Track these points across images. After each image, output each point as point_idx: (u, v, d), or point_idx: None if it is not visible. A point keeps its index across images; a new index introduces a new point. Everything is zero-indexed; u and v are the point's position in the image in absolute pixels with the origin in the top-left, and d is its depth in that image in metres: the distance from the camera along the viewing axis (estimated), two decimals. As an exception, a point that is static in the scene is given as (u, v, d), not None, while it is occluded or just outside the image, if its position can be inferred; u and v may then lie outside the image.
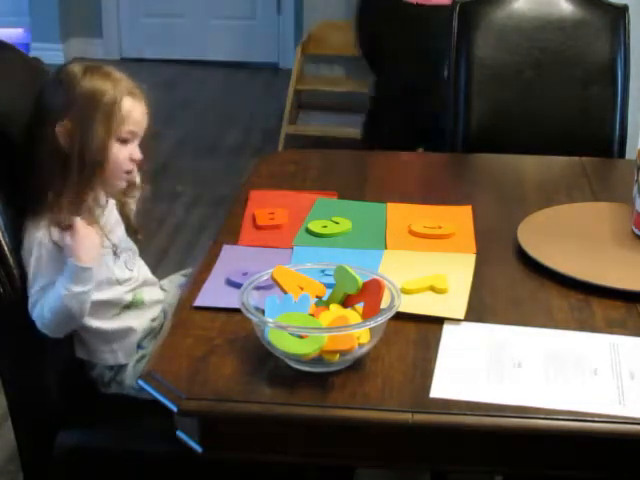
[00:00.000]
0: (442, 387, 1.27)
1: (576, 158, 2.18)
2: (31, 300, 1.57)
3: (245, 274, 1.50)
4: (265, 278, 1.39)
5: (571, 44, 2.33)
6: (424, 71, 3.30)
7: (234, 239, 1.71)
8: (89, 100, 1.58)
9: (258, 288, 1.37)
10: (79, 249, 1.55)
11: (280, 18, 5.80)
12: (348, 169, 2.14)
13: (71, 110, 1.58)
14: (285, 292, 1.36)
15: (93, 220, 1.62)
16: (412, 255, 1.66)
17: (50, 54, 5.14)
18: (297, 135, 4.49)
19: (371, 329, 1.30)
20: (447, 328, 1.42)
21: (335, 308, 1.36)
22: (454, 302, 1.48)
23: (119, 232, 1.71)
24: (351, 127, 4.54)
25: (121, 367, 1.68)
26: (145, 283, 1.73)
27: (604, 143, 2.33)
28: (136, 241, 1.77)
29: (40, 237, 1.57)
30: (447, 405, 1.23)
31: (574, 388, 1.27)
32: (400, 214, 1.82)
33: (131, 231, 1.76)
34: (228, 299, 1.45)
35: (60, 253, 1.57)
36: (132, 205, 1.77)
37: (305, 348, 1.26)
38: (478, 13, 2.35)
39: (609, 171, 2.24)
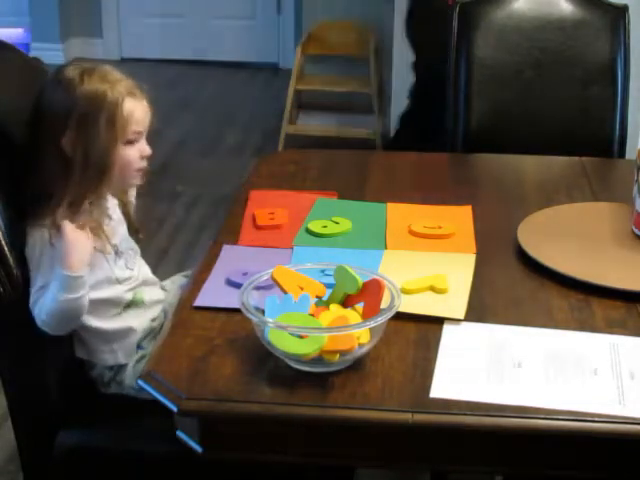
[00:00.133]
0: (442, 387, 1.27)
1: (576, 158, 2.18)
2: (31, 299, 1.57)
3: (245, 274, 1.50)
4: (265, 278, 1.39)
5: (571, 44, 2.33)
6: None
7: (234, 239, 1.71)
8: (89, 107, 1.58)
9: (258, 288, 1.37)
10: (69, 256, 1.54)
11: (280, 18, 5.80)
12: (348, 169, 2.14)
13: (72, 119, 1.58)
14: (285, 292, 1.36)
15: (93, 222, 1.61)
16: (412, 255, 1.66)
17: (50, 54, 5.14)
18: (297, 135, 4.49)
19: (371, 329, 1.30)
20: (447, 328, 1.42)
21: (335, 308, 1.36)
22: (454, 302, 1.48)
23: (121, 231, 1.71)
24: (351, 127, 4.55)
25: (121, 367, 1.68)
26: (145, 283, 1.73)
27: (604, 143, 2.33)
28: (137, 240, 1.77)
29: (41, 237, 1.57)
30: (447, 405, 1.23)
31: (574, 388, 1.27)
32: (400, 214, 1.82)
33: (132, 230, 1.76)
34: (228, 299, 1.45)
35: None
36: (131, 198, 1.78)
37: (305, 348, 1.26)
38: (478, 13, 2.35)
39: (609, 171, 2.24)
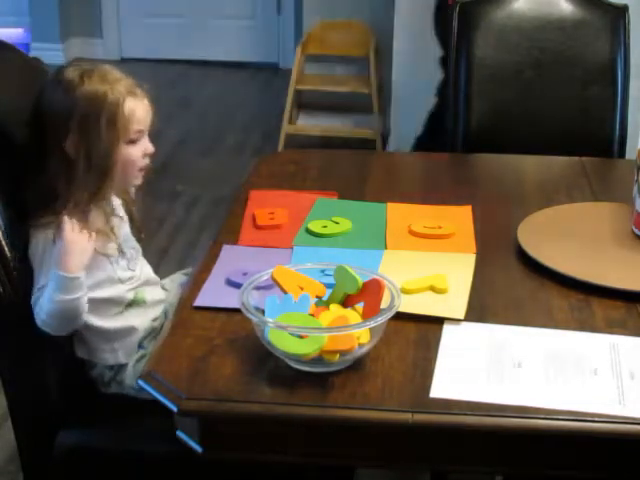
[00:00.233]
0: (442, 387, 1.27)
1: (576, 158, 2.18)
2: (33, 298, 1.57)
3: (245, 274, 1.50)
4: (265, 278, 1.39)
5: (571, 44, 2.33)
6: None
7: (234, 239, 1.71)
8: (90, 108, 1.58)
9: (258, 288, 1.37)
10: (66, 256, 1.54)
11: (280, 18, 5.80)
12: (348, 169, 2.14)
13: (74, 120, 1.58)
14: (285, 292, 1.36)
15: (100, 223, 1.61)
16: (412, 255, 1.66)
17: (50, 54, 5.13)
18: (297, 135, 4.49)
19: (371, 329, 1.30)
20: (447, 328, 1.42)
21: (335, 308, 1.36)
22: (454, 302, 1.48)
23: (124, 231, 1.71)
24: (351, 127, 4.55)
25: (121, 367, 1.68)
26: (147, 282, 1.73)
27: (604, 143, 2.33)
28: (139, 240, 1.77)
29: (44, 238, 1.57)
30: (447, 405, 1.23)
31: (574, 388, 1.27)
32: (400, 214, 1.82)
33: (135, 229, 1.75)
34: (228, 299, 1.45)
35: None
36: (133, 195, 1.78)
37: (305, 348, 1.26)
38: (478, 13, 2.35)
39: (609, 171, 2.24)
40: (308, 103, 4.75)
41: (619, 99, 2.32)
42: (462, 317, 1.44)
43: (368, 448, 1.27)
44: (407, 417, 1.22)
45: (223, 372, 1.30)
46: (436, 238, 1.72)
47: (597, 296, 1.51)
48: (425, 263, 1.63)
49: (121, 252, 1.68)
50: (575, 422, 1.21)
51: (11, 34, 5.87)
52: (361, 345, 1.29)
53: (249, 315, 1.30)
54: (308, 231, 1.74)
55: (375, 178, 2.07)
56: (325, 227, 1.74)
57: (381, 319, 1.29)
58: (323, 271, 1.44)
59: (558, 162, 2.18)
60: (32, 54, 1.92)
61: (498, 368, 1.31)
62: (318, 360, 1.28)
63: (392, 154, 2.41)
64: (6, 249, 1.56)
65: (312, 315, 1.33)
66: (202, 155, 4.39)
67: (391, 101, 3.89)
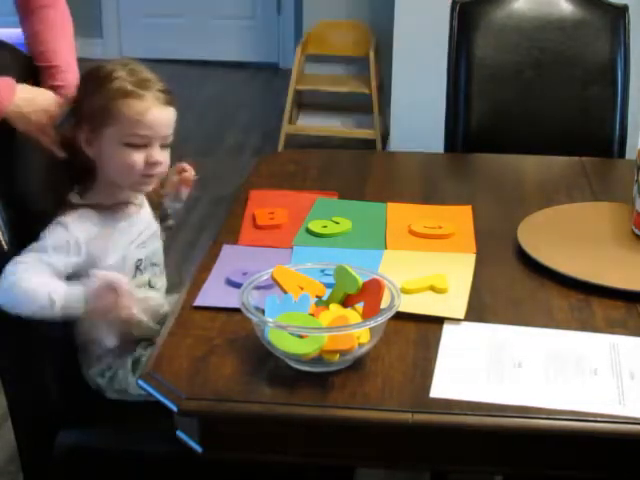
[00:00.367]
0: (442, 387, 1.27)
1: (576, 158, 2.18)
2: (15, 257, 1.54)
3: (245, 274, 1.50)
4: (265, 278, 1.39)
5: (571, 44, 2.33)
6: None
7: (234, 239, 1.71)
8: (103, 102, 1.57)
9: (258, 288, 1.37)
10: (98, 300, 1.49)
11: (280, 18, 5.80)
12: (348, 169, 2.14)
13: (86, 116, 1.58)
14: (285, 292, 1.36)
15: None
16: (412, 255, 1.66)
17: (50, 54, 5.13)
18: (297, 135, 4.50)
19: (371, 329, 1.30)
20: (447, 328, 1.41)
21: (335, 308, 1.36)
22: (454, 302, 1.48)
23: (153, 245, 1.71)
24: (351, 127, 4.55)
25: (116, 372, 1.68)
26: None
27: (604, 143, 2.33)
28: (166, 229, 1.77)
29: (67, 224, 1.57)
30: (447, 405, 1.23)
31: (574, 388, 1.27)
32: (400, 214, 1.82)
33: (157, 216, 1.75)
34: (228, 299, 1.45)
35: (76, 248, 1.56)
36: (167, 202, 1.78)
37: (305, 348, 1.26)
38: (478, 13, 2.35)
39: (609, 171, 2.24)
40: (308, 103, 4.75)
41: (619, 99, 2.32)
42: (462, 317, 1.44)
43: (368, 448, 1.27)
44: (407, 417, 1.22)
45: (223, 372, 1.30)
46: (436, 238, 1.72)
47: (597, 296, 1.51)
48: (425, 263, 1.63)
49: (140, 269, 1.67)
50: (575, 422, 1.21)
51: (11, 34, 5.87)
52: (361, 345, 1.29)
53: (249, 315, 1.30)
54: (308, 231, 1.74)
55: (375, 178, 2.07)
56: (325, 227, 1.74)
57: (381, 319, 1.29)
58: (323, 271, 1.44)
59: (558, 162, 2.18)
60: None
61: (498, 368, 1.31)
62: (318, 360, 1.28)
63: (392, 154, 2.41)
64: (6, 249, 1.56)
65: (312, 315, 1.33)
66: (202, 155, 4.39)
67: (391, 101, 3.90)
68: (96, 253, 1.59)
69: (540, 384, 1.28)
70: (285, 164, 2.12)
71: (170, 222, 1.81)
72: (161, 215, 1.78)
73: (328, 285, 1.40)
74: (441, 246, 1.69)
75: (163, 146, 1.61)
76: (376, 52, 4.37)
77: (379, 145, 4.38)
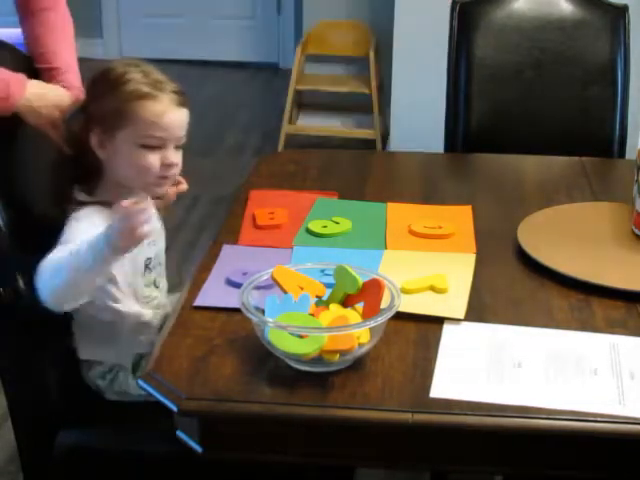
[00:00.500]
0: (442, 387, 1.27)
1: (576, 158, 2.18)
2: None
3: (245, 274, 1.50)
4: (265, 278, 1.39)
5: (571, 44, 2.33)
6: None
7: (234, 239, 1.71)
8: (118, 104, 1.56)
9: (258, 288, 1.37)
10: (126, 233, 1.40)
11: (280, 18, 5.80)
12: (348, 169, 2.14)
13: (98, 118, 1.58)
14: (285, 292, 1.36)
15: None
16: (412, 255, 1.66)
17: (50, 54, 5.12)
18: (297, 135, 4.50)
19: (371, 329, 1.30)
20: (447, 328, 1.41)
21: (335, 308, 1.36)
22: (454, 302, 1.48)
23: (160, 245, 1.71)
24: (351, 127, 4.55)
25: (117, 374, 1.68)
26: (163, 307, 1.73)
27: (604, 143, 2.33)
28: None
29: (82, 217, 1.56)
30: (447, 405, 1.23)
31: (574, 388, 1.27)
32: (400, 214, 1.82)
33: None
34: (228, 299, 1.45)
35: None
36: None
37: (305, 348, 1.26)
38: (478, 13, 2.35)
39: (609, 171, 2.24)
40: (308, 103, 4.75)
41: (619, 99, 2.32)
42: (462, 317, 1.44)
43: (368, 448, 1.27)
44: (407, 417, 1.22)
45: (223, 372, 1.30)
46: (436, 238, 1.72)
47: (597, 296, 1.51)
48: (425, 263, 1.63)
49: (149, 267, 1.67)
50: (575, 422, 1.21)
51: (11, 34, 5.87)
52: (361, 345, 1.29)
53: (249, 315, 1.30)
54: (308, 231, 1.74)
55: (375, 178, 2.07)
56: (325, 227, 1.74)
57: (381, 319, 1.29)
58: (323, 271, 1.44)
59: (558, 162, 2.18)
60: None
61: (498, 368, 1.31)
62: (318, 360, 1.28)
63: (392, 154, 2.41)
64: (6, 249, 1.57)
65: (312, 315, 1.33)
66: (202, 155, 4.39)
67: (391, 101, 3.90)
68: None
69: (540, 384, 1.28)
70: (285, 164, 2.12)
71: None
72: None
73: (328, 285, 1.40)
74: (441, 246, 1.69)
75: (177, 147, 1.61)
76: (376, 52, 4.37)
77: (379, 145, 4.38)
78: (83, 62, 1.78)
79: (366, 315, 1.32)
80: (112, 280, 1.59)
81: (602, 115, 2.33)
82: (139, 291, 1.66)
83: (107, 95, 1.57)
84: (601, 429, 1.20)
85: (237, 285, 1.44)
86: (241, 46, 5.88)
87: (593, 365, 1.32)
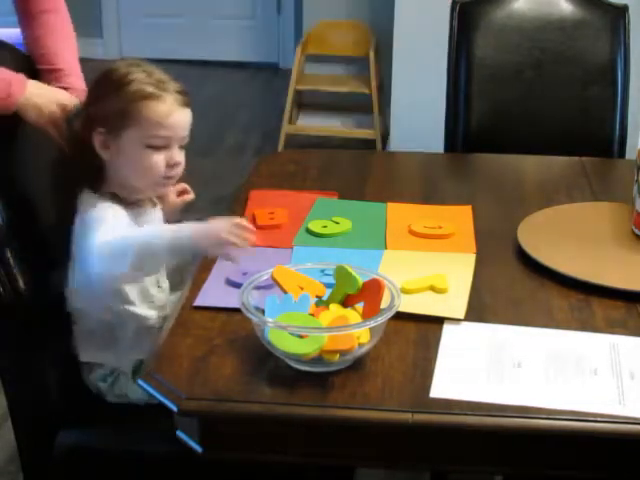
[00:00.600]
0: (442, 387, 1.27)
1: (576, 158, 2.18)
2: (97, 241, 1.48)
3: (245, 274, 1.49)
4: (265, 278, 1.39)
5: (571, 44, 2.33)
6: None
7: (234, 239, 1.71)
8: (122, 105, 1.56)
9: (258, 288, 1.37)
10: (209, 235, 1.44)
11: (280, 18, 5.80)
12: (348, 169, 2.14)
13: (102, 119, 1.57)
14: (285, 292, 1.36)
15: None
16: (412, 255, 1.66)
17: (50, 54, 5.12)
18: (297, 135, 4.50)
19: (371, 329, 1.29)
20: (447, 328, 1.41)
21: (335, 308, 1.36)
22: (454, 302, 1.48)
23: None
24: (351, 127, 4.55)
25: (117, 378, 1.68)
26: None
27: (604, 143, 2.33)
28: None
29: (99, 206, 1.55)
30: (447, 405, 1.23)
31: (574, 388, 1.27)
32: (400, 214, 1.82)
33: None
34: (228, 299, 1.45)
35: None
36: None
37: (305, 348, 1.26)
38: (478, 13, 2.35)
39: (609, 171, 2.24)
40: (308, 103, 4.75)
41: (619, 99, 2.32)
42: (462, 317, 1.44)
43: (368, 448, 1.27)
44: (407, 417, 1.22)
45: (223, 372, 1.30)
46: (436, 238, 1.72)
47: (597, 296, 1.51)
48: (425, 263, 1.63)
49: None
50: (575, 422, 1.21)
51: (11, 34, 5.86)
52: (361, 345, 1.29)
53: (249, 315, 1.30)
54: (308, 231, 1.74)
55: (375, 178, 2.07)
56: (325, 227, 1.74)
57: (381, 319, 1.29)
58: (323, 271, 1.44)
59: (558, 162, 2.18)
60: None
61: (498, 368, 1.31)
62: (318, 360, 1.28)
63: (392, 154, 2.41)
64: (6, 249, 1.57)
65: (312, 315, 1.33)
66: (202, 155, 4.39)
67: (391, 101, 3.90)
68: None
69: (540, 384, 1.28)
70: (285, 164, 2.12)
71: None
72: None
73: (328, 285, 1.40)
74: (441, 246, 1.69)
75: (180, 147, 1.62)
76: (376, 52, 4.37)
77: (379, 145, 4.38)
78: (83, 62, 1.78)
79: (366, 315, 1.32)
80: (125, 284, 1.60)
81: (602, 115, 2.33)
82: (147, 291, 1.66)
83: (111, 96, 1.57)
84: (601, 429, 1.20)
85: (237, 285, 1.44)
86: (241, 46, 5.88)
87: (593, 365, 1.32)
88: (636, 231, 1.72)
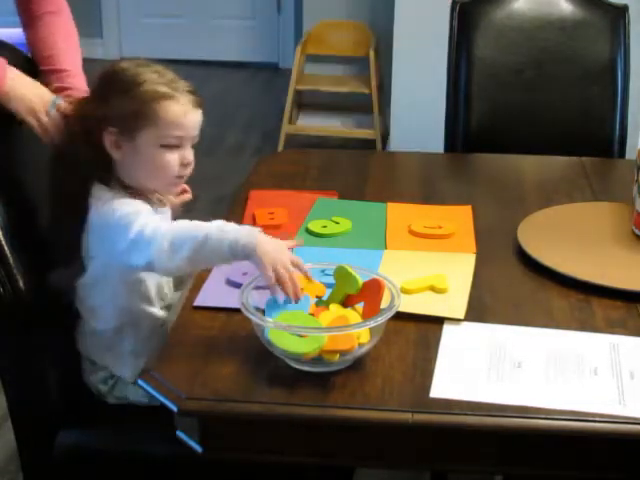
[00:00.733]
0: (442, 387, 1.27)
1: (576, 158, 2.18)
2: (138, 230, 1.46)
3: (245, 274, 1.49)
4: (265, 278, 1.39)
5: (571, 44, 2.33)
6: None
7: (234, 239, 1.71)
8: (132, 103, 1.55)
9: (258, 288, 1.37)
10: (267, 252, 1.39)
11: (280, 18, 5.80)
12: (348, 169, 2.14)
13: (113, 119, 1.55)
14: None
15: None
16: (412, 255, 1.66)
17: (50, 54, 5.12)
18: (297, 135, 4.49)
19: (371, 329, 1.30)
20: (447, 328, 1.41)
21: (335, 308, 1.36)
22: (454, 302, 1.48)
23: None
24: (351, 127, 4.55)
25: (118, 380, 1.67)
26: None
27: (604, 143, 2.33)
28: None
29: (116, 202, 1.53)
30: (447, 405, 1.23)
31: (574, 388, 1.27)
32: (400, 214, 1.82)
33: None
34: (228, 299, 1.45)
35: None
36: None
37: (305, 347, 1.26)
38: (478, 13, 2.35)
39: (609, 171, 2.24)
40: (308, 103, 4.75)
41: (619, 99, 2.32)
42: (462, 317, 1.44)
43: (368, 448, 1.27)
44: (407, 417, 1.22)
45: (223, 372, 1.30)
46: (436, 238, 1.72)
47: (597, 296, 1.51)
48: (425, 263, 1.63)
49: None
50: (575, 422, 1.21)
51: (11, 34, 5.86)
52: (361, 345, 1.29)
53: (249, 315, 1.30)
54: (308, 231, 1.74)
55: (375, 178, 2.07)
56: (325, 227, 1.75)
57: (381, 319, 1.29)
58: (323, 271, 1.44)
59: (558, 162, 2.18)
60: (32, 54, 1.92)
61: (498, 368, 1.31)
62: (318, 360, 1.28)
63: (392, 154, 2.41)
64: (6, 249, 1.56)
65: (312, 315, 1.33)
66: (202, 155, 4.38)
67: (391, 101, 3.90)
68: None
69: (540, 384, 1.28)
70: (285, 164, 2.12)
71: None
72: None
73: (328, 285, 1.40)
74: (441, 246, 1.69)
75: (192, 147, 1.62)
76: (376, 52, 4.37)
77: (379, 145, 4.38)
78: (83, 62, 1.78)
79: (366, 315, 1.32)
80: (145, 280, 1.59)
81: (602, 115, 2.33)
82: (162, 289, 1.65)
83: (122, 96, 1.56)
84: (601, 429, 1.20)
85: (237, 285, 1.44)
86: (241, 46, 5.88)
87: (593, 365, 1.32)
88: (636, 231, 1.72)
